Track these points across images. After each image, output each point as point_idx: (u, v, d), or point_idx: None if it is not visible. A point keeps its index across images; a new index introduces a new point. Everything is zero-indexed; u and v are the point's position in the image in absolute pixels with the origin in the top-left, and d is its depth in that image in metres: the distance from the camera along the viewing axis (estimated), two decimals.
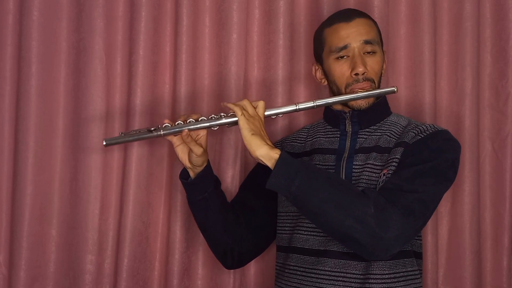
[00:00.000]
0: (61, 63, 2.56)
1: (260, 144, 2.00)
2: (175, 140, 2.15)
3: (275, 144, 2.28)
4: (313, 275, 2.12)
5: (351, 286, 2.08)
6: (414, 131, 2.16)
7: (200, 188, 2.19)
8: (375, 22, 2.27)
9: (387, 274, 2.08)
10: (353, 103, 2.19)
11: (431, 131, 2.15)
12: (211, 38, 2.60)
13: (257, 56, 2.64)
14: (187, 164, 2.16)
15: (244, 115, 2.03)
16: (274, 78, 2.62)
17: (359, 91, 2.16)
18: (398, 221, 1.96)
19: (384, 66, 2.27)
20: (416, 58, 2.66)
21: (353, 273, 2.08)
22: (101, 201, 2.56)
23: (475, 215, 2.68)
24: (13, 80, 2.51)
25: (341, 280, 2.08)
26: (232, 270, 2.56)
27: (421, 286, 2.20)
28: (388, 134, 2.19)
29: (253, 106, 2.09)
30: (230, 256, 2.30)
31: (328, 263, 2.10)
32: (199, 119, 2.10)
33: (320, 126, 2.34)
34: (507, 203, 2.72)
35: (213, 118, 2.10)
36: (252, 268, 2.59)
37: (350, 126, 2.24)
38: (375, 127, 2.23)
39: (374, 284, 2.07)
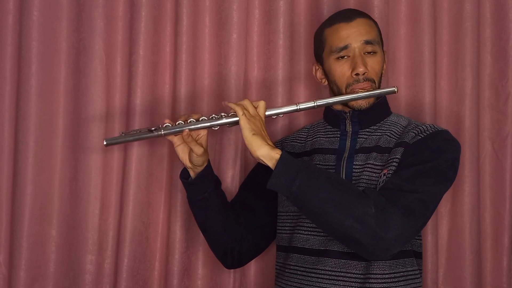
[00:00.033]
0: (61, 63, 2.56)
1: (261, 144, 2.00)
2: (176, 140, 2.15)
3: (275, 144, 2.28)
4: (313, 274, 2.12)
5: (351, 286, 2.08)
6: (414, 131, 2.16)
7: (200, 188, 2.19)
8: (375, 22, 2.27)
9: (387, 273, 2.08)
10: (353, 103, 2.19)
11: (431, 131, 2.15)
12: (211, 38, 2.60)
13: (257, 56, 2.64)
14: (188, 164, 2.16)
15: (245, 115, 2.03)
16: (274, 78, 2.62)
17: (360, 91, 2.16)
18: (398, 221, 1.96)
19: (385, 66, 2.27)
20: (416, 58, 2.66)
21: (354, 273, 2.08)
22: (101, 201, 2.56)
23: (475, 215, 2.68)
24: (13, 80, 2.51)
25: (341, 280, 2.09)
26: (232, 270, 2.56)
27: (421, 286, 2.20)
28: (388, 134, 2.19)
29: (254, 106, 2.09)
30: (230, 255, 2.31)
31: (329, 263, 2.11)
32: (200, 119, 2.10)
33: (320, 126, 2.34)
34: (507, 203, 2.72)
35: (214, 118, 2.10)
36: (252, 268, 2.59)
37: (350, 126, 2.24)
38: (375, 127, 2.24)
39: (375, 284, 2.07)
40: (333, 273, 2.10)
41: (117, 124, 2.54)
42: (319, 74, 2.31)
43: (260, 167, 2.25)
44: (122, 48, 2.57)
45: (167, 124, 2.10)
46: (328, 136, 2.28)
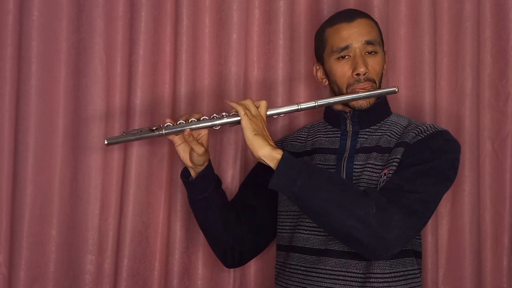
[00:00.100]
0: (61, 63, 2.56)
1: (263, 144, 2.00)
2: (177, 139, 2.15)
3: (275, 144, 2.28)
4: (314, 274, 2.13)
5: (352, 285, 2.08)
6: (415, 131, 2.16)
7: (201, 188, 2.20)
8: (376, 23, 2.27)
9: (387, 273, 2.09)
10: (354, 103, 2.19)
11: (431, 132, 2.16)
12: (211, 38, 2.60)
13: (257, 56, 2.64)
14: (188, 164, 2.17)
15: (247, 115, 2.04)
16: (274, 78, 2.62)
17: (360, 91, 2.17)
18: (399, 221, 1.97)
19: (385, 67, 2.28)
20: (416, 58, 2.66)
21: (354, 272, 2.09)
22: (101, 201, 2.56)
23: (475, 215, 2.69)
24: (13, 80, 2.51)
25: (341, 279, 2.09)
26: (232, 270, 2.56)
27: (421, 285, 2.20)
28: (388, 134, 2.20)
29: (255, 106, 2.09)
30: (231, 255, 2.31)
31: (329, 262, 2.11)
32: (201, 118, 2.10)
33: (321, 125, 2.34)
34: (507, 203, 2.72)
35: (215, 117, 2.10)
36: (252, 267, 2.59)
37: (351, 126, 2.24)
38: (375, 127, 2.24)
39: (375, 283, 2.07)
40: (334, 273, 2.10)
41: (117, 124, 2.54)
42: (320, 74, 2.31)
43: (260, 166, 2.26)
44: (122, 48, 2.57)
45: (168, 123, 2.10)
46: (329, 136, 2.28)
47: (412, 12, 2.67)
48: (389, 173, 2.09)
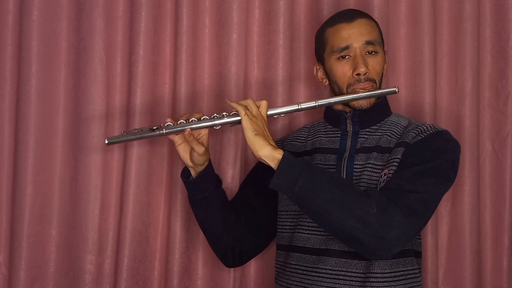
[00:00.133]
0: (61, 63, 2.56)
1: (263, 145, 2.00)
2: (177, 139, 2.15)
3: (275, 143, 2.28)
4: (314, 273, 2.13)
5: (352, 285, 2.08)
6: (415, 131, 2.16)
7: (201, 187, 2.20)
8: (376, 23, 2.27)
9: (388, 273, 2.09)
10: (354, 103, 2.19)
11: (431, 132, 2.16)
12: (211, 38, 2.61)
13: (257, 56, 2.64)
14: (189, 163, 2.17)
15: (248, 115, 2.04)
16: (274, 78, 2.62)
17: (361, 91, 2.17)
18: (400, 221, 1.97)
19: (385, 67, 2.28)
20: (416, 58, 2.66)
21: (354, 272, 2.09)
22: (101, 201, 2.56)
23: (475, 215, 2.69)
24: (13, 80, 2.51)
25: (342, 279, 2.09)
26: (232, 270, 2.57)
27: (421, 285, 2.21)
28: (388, 134, 2.20)
29: (256, 105, 2.09)
30: (231, 255, 2.31)
31: (329, 262, 2.11)
32: (201, 118, 2.11)
33: (321, 125, 2.34)
34: (507, 203, 2.72)
35: (215, 117, 2.10)
36: (252, 267, 2.59)
37: (351, 126, 2.24)
38: (375, 127, 2.24)
39: (375, 283, 2.07)
40: (334, 272, 2.10)
41: (117, 124, 2.54)
42: (320, 74, 2.31)
43: (260, 166, 2.25)
44: (122, 48, 2.57)
45: (169, 123, 2.10)
46: (329, 135, 2.28)
47: (412, 12, 2.67)
48: (389, 173, 2.09)
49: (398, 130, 2.21)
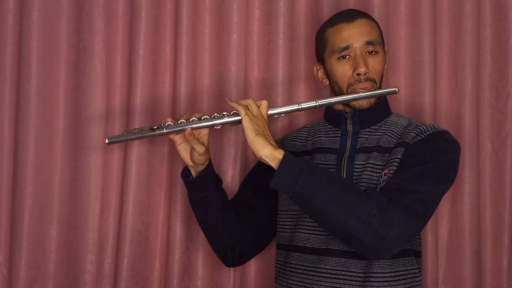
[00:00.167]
0: (61, 63, 2.56)
1: (264, 144, 2.01)
2: (178, 138, 2.15)
3: (275, 143, 2.28)
4: (314, 273, 2.13)
5: (352, 285, 2.08)
6: (415, 131, 2.17)
7: (201, 187, 2.20)
8: (377, 23, 2.27)
9: (388, 272, 2.09)
10: (354, 103, 2.20)
11: (431, 132, 2.16)
12: (211, 38, 2.60)
13: (257, 56, 2.64)
14: (189, 163, 2.17)
15: (248, 115, 2.04)
16: (274, 78, 2.62)
17: (361, 91, 2.17)
18: (400, 221, 1.97)
19: (386, 67, 2.28)
20: (416, 58, 2.66)
21: (354, 272, 2.09)
22: (101, 201, 2.56)
23: (475, 215, 2.69)
24: (13, 80, 2.51)
25: (342, 279, 2.09)
26: (232, 270, 2.57)
27: (420, 285, 2.21)
28: (388, 134, 2.20)
29: (257, 105, 2.09)
30: (231, 254, 2.31)
31: (329, 261, 2.11)
32: (202, 117, 2.11)
33: (321, 125, 2.34)
34: (507, 203, 2.72)
35: (216, 116, 2.10)
36: (252, 267, 2.59)
37: (351, 126, 2.24)
38: (375, 127, 2.24)
39: (375, 283, 2.08)
40: (334, 272, 2.10)
41: (117, 124, 2.54)
42: (321, 74, 2.31)
43: (261, 166, 2.26)
44: (122, 48, 2.57)
45: (169, 122, 2.11)
46: (329, 135, 2.28)
47: (412, 12, 2.67)
48: (390, 173, 2.10)
49: (398, 130, 2.21)
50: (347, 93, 2.19)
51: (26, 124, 2.49)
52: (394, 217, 1.97)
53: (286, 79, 2.61)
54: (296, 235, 2.20)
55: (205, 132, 2.15)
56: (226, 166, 2.56)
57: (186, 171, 2.23)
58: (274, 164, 1.99)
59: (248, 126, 2.02)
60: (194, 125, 2.08)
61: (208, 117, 2.10)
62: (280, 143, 2.40)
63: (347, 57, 2.19)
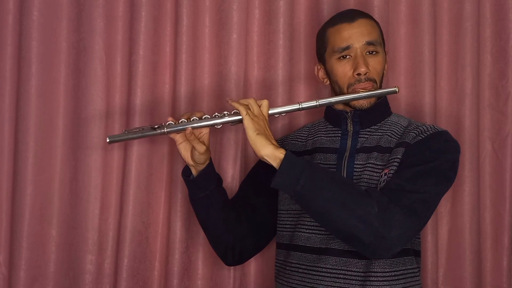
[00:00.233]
0: (61, 63, 2.56)
1: (265, 144, 2.01)
2: (178, 137, 2.15)
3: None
4: (314, 272, 2.13)
5: (352, 284, 2.09)
6: (415, 131, 2.17)
7: (202, 186, 2.20)
8: (377, 23, 2.28)
9: (387, 272, 2.09)
10: (355, 102, 2.20)
11: (431, 132, 2.16)
12: (211, 38, 2.61)
13: (257, 56, 2.64)
14: (190, 162, 2.17)
15: (249, 115, 2.04)
16: (274, 78, 2.62)
17: (361, 91, 2.17)
18: (400, 220, 1.98)
19: (386, 67, 2.28)
20: (416, 58, 2.66)
21: (354, 271, 2.09)
22: (101, 201, 2.56)
23: (475, 215, 2.69)
24: (13, 80, 2.51)
25: (342, 278, 2.09)
26: (232, 270, 2.57)
27: (420, 284, 2.21)
28: (389, 134, 2.20)
29: (258, 105, 2.09)
30: (231, 253, 2.31)
31: (330, 261, 2.11)
32: (203, 117, 2.11)
33: (321, 125, 2.35)
34: (507, 203, 2.72)
35: (217, 116, 2.10)
36: (252, 267, 2.59)
37: (352, 126, 2.25)
38: (376, 127, 2.24)
39: (375, 282, 2.08)
40: (334, 271, 2.10)
41: (117, 124, 2.54)
42: (321, 74, 2.31)
43: (261, 165, 2.26)
44: (122, 48, 2.57)
45: (170, 122, 2.11)
46: (329, 135, 2.28)
47: (412, 12, 2.67)
48: (390, 173, 2.10)
49: (399, 130, 2.21)
50: (348, 93, 2.19)
51: (26, 124, 2.49)
52: (395, 217, 1.97)
53: (286, 79, 2.61)
54: (296, 234, 2.20)
55: (205, 131, 2.16)
56: (226, 165, 2.56)
57: (186, 170, 2.23)
58: (275, 163, 2.00)
59: (249, 125, 2.03)
60: (195, 125, 2.09)
61: (209, 117, 2.11)
62: (280, 143, 2.40)
63: (348, 57, 2.19)
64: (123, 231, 2.52)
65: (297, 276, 2.18)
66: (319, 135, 2.32)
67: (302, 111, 2.54)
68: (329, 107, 2.31)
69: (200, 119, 2.10)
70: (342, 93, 2.21)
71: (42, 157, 2.51)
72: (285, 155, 1.99)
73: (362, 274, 2.09)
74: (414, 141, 2.14)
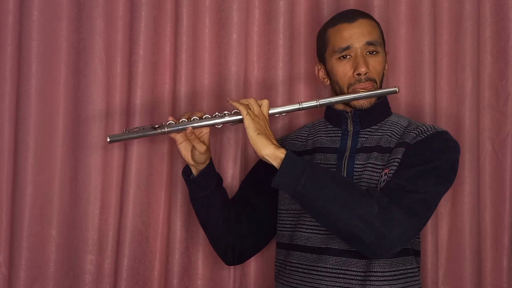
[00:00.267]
0: (61, 63, 2.56)
1: (266, 144, 2.01)
2: (179, 137, 2.16)
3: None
4: (314, 272, 2.13)
5: (352, 284, 2.09)
6: (415, 131, 2.17)
7: (202, 185, 2.20)
8: (377, 23, 2.28)
9: (387, 271, 2.10)
10: (355, 102, 2.20)
11: (431, 132, 2.17)
12: (211, 38, 2.61)
13: (257, 56, 2.64)
14: (190, 162, 2.17)
15: (250, 115, 2.04)
16: (274, 78, 2.62)
17: (361, 91, 2.17)
18: (401, 220, 1.98)
19: (386, 67, 2.28)
20: (416, 58, 2.66)
21: (354, 271, 2.09)
22: (101, 201, 2.56)
23: (475, 215, 2.69)
24: (13, 80, 2.51)
25: (342, 277, 2.10)
26: (232, 270, 2.57)
27: (419, 283, 2.21)
28: (389, 134, 2.20)
29: (258, 105, 2.09)
30: (231, 253, 2.31)
31: (330, 260, 2.12)
32: (203, 116, 2.11)
33: (321, 125, 2.35)
34: (507, 203, 2.72)
35: (217, 116, 2.10)
36: (252, 267, 2.59)
37: (352, 126, 2.25)
38: (376, 127, 2.24)
39: (375, 282, 2.08)
40: (334, 271, 2.10)
41: (117, 124, 2.55)
42: (322, 73, 2.31)
43: (261, 164, 2.27)
44: (122, 48, 2.57)
45: (171, 121, 2.11)
46: (330, 135, 2.28)
47: (412, 12, 2.67)
48: (390, 173, 2.10)
49: (399, 130, 2.21)
50: (348, 93, 2.19)
51: (26, 124, 2.49)
52: (395, 217, 1.98)
53: (286, 79, 2.61)
54: (297, 234, 2.20)
55: (206, 131, 2.16)
56: (226, 165, 2.56)
57: (187, 170, 2.23)
58: (276, 163, 2.00)
59: (250, 125, 2.03)
60: (196, 124, 2.09)
61: (209, 116, 2.11)
62: (280, 142, 2.40)
63: (348, 57, 2.19)
64: (123, 231, 2.52)
65: (297, 275, 2.18)
66: (319, 135, 2.32)
67: (302, 111, 2.54)
68: (329, 107, 2.31)
69: (201, 118, 2.10)
70: (342, 93, 2.21)
71: (42, 157, 2.51)
72: (286, 155, 1.99)
73: (362, 273, 2.09)
74: (414, 141, 2.14)
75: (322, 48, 2.28)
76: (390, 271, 2.10)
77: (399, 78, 2.66)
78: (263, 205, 2.34)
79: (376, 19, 2.33)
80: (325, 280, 2.11)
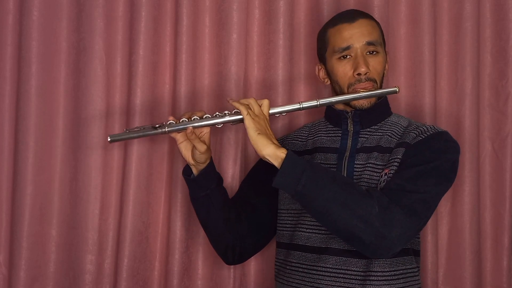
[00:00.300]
0: (61, 63, 2.56)
1: (267, 144, 2.01)
2: (179, 137, 2.16)
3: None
4: (314, 272, 2.13)
5: (352, 283, 2.09)
6: (415, 132, 2.17)
7: (203, 185, 2.20)
8: (378, 23, 2.28)
9: (387, 271, 2.10)
10: (355, 102, 2.20)
11: (431, 132, 2.17)
12: (211, 38, 2.61)
13: (257, 56, 2.64)
14: (190, 161, 2.17)
15: (250, 115, 2.04)
16: (274, 78, 2.62)
17: (362, 91, 2.17)
18: (401, 220, 1.98)
19: (387, 67, 2.28)
20: (416, 58, 2.66)
21: (354, 270, 2.10)
22: (101, 201, 2.56)
23: (475, 215, 2.69)
24: (13, 80, 2.51)
25: (342, 277, 2.10)
26: (232, 270, 2.58)
27: (419, 283, 2.21)
28: (389, 134, 2.20)
29: (258, 104, 2.09)
30: (231, 253, 2.31)
31: (330, 260, 2.12)
32: (204, 116, 2.11)
33: (322, 125, 2.35)
34: (507, 203, 2.72)
35: (218, 115, 2.10)
36: (252, 267, 2.59)
37: (352, 126, 2.25)
38: (376, 127, 2.24)
39: (375, 281, 2.08)
40: (334, 271, 2.11)
41: (117, 124, 2.55)
42: (322, 73, 2.31)
43: (261, 164, 2.28)
44: (122, 48, 2.57)
45: (171, 121, 2.11)
46: (330, 135, 2.28)
47: (412, 12, 2.67)
48: (390, 173, 2.10)
49: (399, 130, 2.21)
50: (348, 93, 2.20)
51: (26, 124, 2.49)
52: (395, 217, 1.98)
53: (286, 79, 2.61)
54: (297, 233, 2.20)
55: (206, 130, 2.15)
56: (226, 165, 2.56)
57: (187, 170, 2.23)
58: (276, 163, 2.00)
59: (250, 125, 2.03)
60: (196, 124, 2.09)
61: (209, 116, 2.11)
62: (280, 142, 2.38)
63: (348, 57, 2.19)
64: (123, 231, 2.52)
65: (297, 275, 2.18)
66: (319, 135, 2.32)
67: (302, 111, 2.54)
68: (329, 107, 2.31)
69: (201, 118, 2.10)
70: (342, 93, 2.21)
71: (42, 157, 2.51)
72: (287, 155, 1.99)
73: (362, 273, 2.09)
74: (415, 142, 2.14)
75: (322, 48, 2.28)
76: (390, 271, 2.10)
77: (399, 78, 2.66)
78: (263, 205, 2.34)
79: (376, 19, 2.33)
80: (325, 280, 2.11)
